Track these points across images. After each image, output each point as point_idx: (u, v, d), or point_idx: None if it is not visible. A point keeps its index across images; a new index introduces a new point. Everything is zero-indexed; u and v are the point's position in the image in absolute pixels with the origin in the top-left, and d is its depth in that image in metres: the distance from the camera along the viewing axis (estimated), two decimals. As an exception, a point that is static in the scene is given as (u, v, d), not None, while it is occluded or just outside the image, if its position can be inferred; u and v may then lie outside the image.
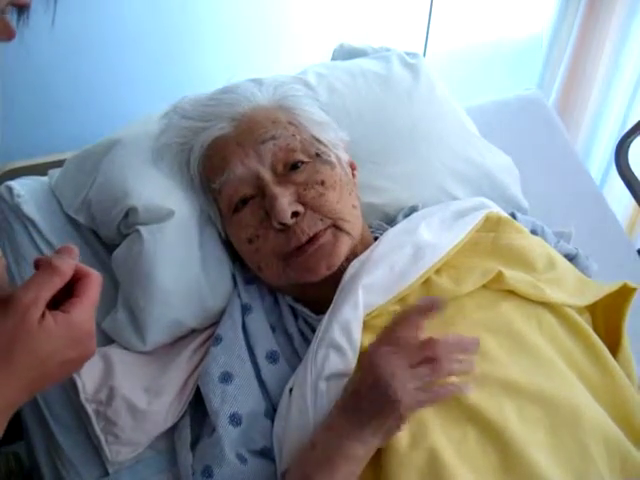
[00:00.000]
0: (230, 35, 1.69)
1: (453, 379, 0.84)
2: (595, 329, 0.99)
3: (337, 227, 1.00)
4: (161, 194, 1.07)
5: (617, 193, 2.09)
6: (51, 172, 1.25)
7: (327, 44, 1.47)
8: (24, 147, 1.45)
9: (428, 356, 0.83)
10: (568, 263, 1.07)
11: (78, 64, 1.54)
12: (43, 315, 0.69)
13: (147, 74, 1.64)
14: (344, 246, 1.00)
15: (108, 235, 1.13)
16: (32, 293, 0.69)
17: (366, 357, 0.86)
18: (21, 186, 1.23)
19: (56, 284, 0.71)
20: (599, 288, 1.01)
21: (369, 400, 0.82)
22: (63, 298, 0.72)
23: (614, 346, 1.00)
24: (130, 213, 1.06)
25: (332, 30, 1.78)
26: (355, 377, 0.87)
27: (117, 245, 1.10)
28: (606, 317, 1.03)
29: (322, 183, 1.01)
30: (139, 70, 1.63)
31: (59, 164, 1.25)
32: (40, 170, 1.30)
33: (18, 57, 1.37)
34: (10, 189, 1.21)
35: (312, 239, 0.98)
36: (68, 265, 0.72)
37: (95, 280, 0.75)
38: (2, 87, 1.42)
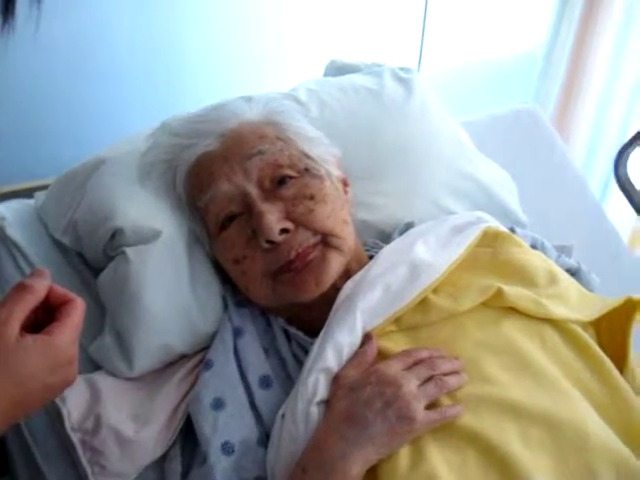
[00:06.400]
0: (221, 53, 1.69)
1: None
2: (600, 345, 0.96)
3: (327, 243, 0.97)
4: (148, 214, 1.05)
5: (619, 205, 2.08)
6: (37, 194, 1.23)
7: (319, 61, 1.47)
8: (11, 171, 1.44)
9: (430, 373, 0.85)
10: (570, 278, 1.05)
11: (67, 87, 1.54)
12: (22, 335, 0.68)
13: (137, 95, 1.64)
14: (334, 263, 0.97)
15: (94, 257, 1.10)
16: (5, 310, 0.68)
17: (380, 373, 0.85)
18: (6, 209, 1.21)
19: (29, 302, 0.70)
20: (603, 303, 0.99)
21: (383, 416, 0.81)
22: (45, 323, 0.72)
23: (620, 362, 0.96)
24: (116, 234, 1.04)
25: (324, 47, 1.78)
26: (363, 393, 0.85)
27: (103, 268, 1.07)
28: (611, 332, 1.00)
29: (311, 197, 0.98)
30: (129, 92, 1.63)
31: (47, 188, 1.23)
32: (29, 194, 1.28)
33: (3, 80, 1.37)
34: (-5, 212, 1.19)
35: (300, 255, 0.95)
36: (40, 284, 0.72)
37: (78, 305, 0.74)
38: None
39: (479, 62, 2.09)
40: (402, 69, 1.34)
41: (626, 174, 1.58)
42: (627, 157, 1.59)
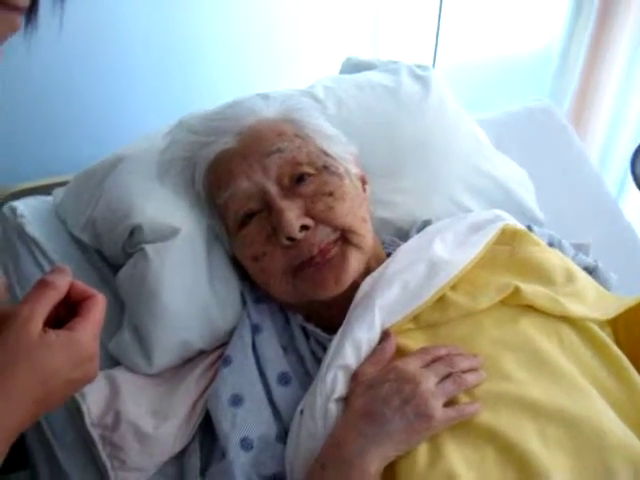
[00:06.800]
0: (238, 51, 1.69)
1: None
2: (617, 343, 0.95)
3: (346, 240, 0.98)
4: (167, 211, 1.05)
5: (635, 203, 2.07)
6: (56, 191, 1.24)
7: (335, 58, 1.46)
8: (30, 169, 1.45)
9: (448, 370, 0.85)
10: (587, 276, 1.04)
11: (83, 84, 1.54)
12: (45, 331, 0.68)
13: (152, 92, 1.64)
14: (354, 261, 0.97)
15: (113, 255, 1.11)
16: (28, 307, 0.68)
17: (399, 370, 0.86)
18: (25, 206, 1.22)
19: (51, 298, 0.70)
20: (620, 301, 0.98)
21: (401, 413, 0.81)
22: (67, 319, 0.72)
23: (637, 360, 0.95)
24: (135, 231, 1.04)
25: (340, 44, 1.77)
26: (381, 390, 0.85)
27: (123, 265, 1.07)
28: (628, 330, 0.99)
29: (330, 194, 0.98)
30: (144, 89, 1.63)
31: (65, 185, 1.23)
32: (47, 191, 1.28)
33: (21, 78, 1.37)
34: (14, 209, 1.20)
35: (322, 252, 0.95)
36: (62, 280, 0.72)
37: (100, 301, 0.74)
38: (7, 107, 1.42)
39: (493, 59, 2.08)
40: (419, 66, 1.33)
41: (643, 172, 1.57)
42: (644, 156, 1.58)
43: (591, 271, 1.15)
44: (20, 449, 1.06)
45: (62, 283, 0.72)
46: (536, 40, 2.11)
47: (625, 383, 0.90)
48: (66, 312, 0.73)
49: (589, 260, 1.18)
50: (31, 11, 0.64)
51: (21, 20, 0.63)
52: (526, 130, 1.55)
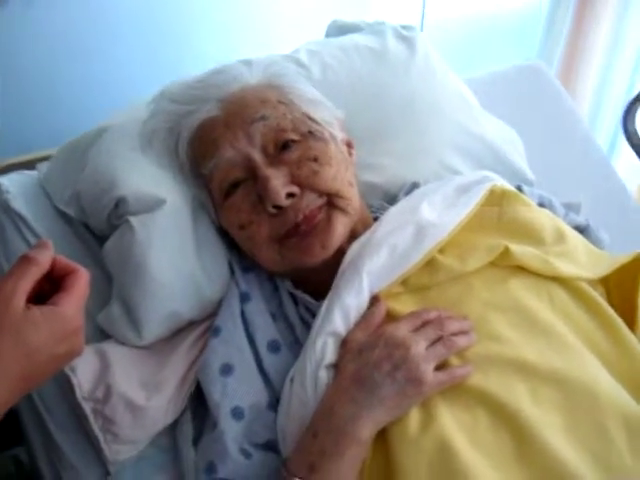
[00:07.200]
0: (223, 17, 1.67)
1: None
2: (610, 302, 0.95)
3: (332, 205, 0.97)
4: (151, 182, 1.04)
5: (626, 162, 2.07)
6: (40, 166, 1.23)
7: (321, 22, 1.44)
8: (16, 144, 1.44)
9: (439, 334, 0.85)
10: (578, 235, 1.04)
11: (70, 56, 1.53)
12: (28, 307, 0.69)
13: (139, 61, 1.62)
14: (340, 225, 0.97)
15: (99, 227, 1.10)
16: (11, 283, 0.69)
17: (388, 335, 0.86)
18: (10, 181, 1.21)
19: (34, 273, 0.70)
20: (612, 260, 0.98)
21: (392, 378, 0.82)
22: (50, 295, 0.72)
23: (631, 320, 0.96)
24: (120, 203, 1.04)
25: (326, 7, 1.75)
26: (371, 356, 0.85)
27: (109, 237, 1.07)
28: (620, 289, 0.99)
29: (315, 159, 0.97)
30: (130, 58, 1.61)
31: (49, 159, 1.23)
32: (31, 166, 1.27)
33: (5, 52, 1.36)
34: (-2, 185, 1.19)
35: (307, 218, 0.95)
36: (44, 255, 0.72)
37: (83, 275, 0.74)
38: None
39: (483, 16, 2.07)
40: (404, 27, 1.32)
41: (634, 129, 1.56)
42: (635, 112, 1.57)
43: (582, 230, 1.14)
44: (15, 425, 1.07)
45: (44, 258, 0.72)
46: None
47: (617, 341, 0.90)
48: (49, 287, 0.73)
49: (580, 219, 1.17)
50: None
51: None
52: (515, 90, 1.54)
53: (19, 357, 0.67)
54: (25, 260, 0.71)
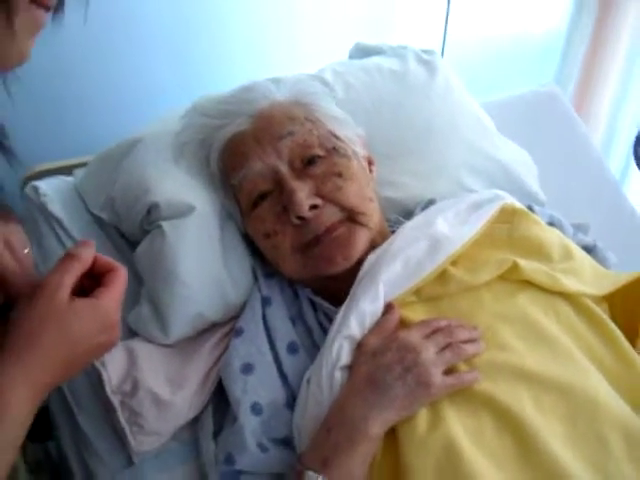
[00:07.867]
0: (249, 38, 1.70)
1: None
2: (613, 319, 0.98)
3: (353, 220, 1.01)
4: (182, 190, 1.09)
5: (637, 188, 2.08)
6: (76, 172, 1.28)
7: (344, 44, 1.48)
8: (53, 149, 1.47)
9: (448, 341, 0.89)
10: (585, 254, 1.07)
11: (105, 66, 1.56)
12: (72, 299, 0.73)
13: (173, 74, 1.65)
14: (361, 239, 1.01)
15: (131, 232, 1.15)
16: (56, 277, 0.73)
17: (401, 340, 0.89)
18: (47, 186, 1.26)
19: (77, 269, 0.75)
20: (616, 278, 1.01)
21: (403, 380, 0.85)
22: (90, 290, 0.76)
23: (633, 337, 0.99)
24: (152, 209, 1.08)
25: (349, 30, 1.78)
26: (384, 359, 0.89)
27: (140, 242, 1.12)
28: (624, 307, 1.02)
29: (339, 175, 1.02)
30: (164, 70, 1.64)
31: (85, 165, 1.27)
32: (68, 172, 1.32)
33: (43, 61, 1.39)
34: (36, 189, 1.24)
35: (328, 230, 0.99)
36: (86, 252, 0.77)
37: (122, 273, 0.79)
38: (31, 89, 1.44)
39: (502, 40, 2.08)
40: (425, 51, 1.36)
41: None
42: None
43: (590, 250, 1.17)
44: (46, 421, 1.12)
45: (87, 256, 0.77)
46: (544, 22, 2.11)
47: (619, 356, 0.93)
48: (90, 283, 0.77)
49: (588, 239, 1.20)
50: (57, 9, 0.68)
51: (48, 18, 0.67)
52: (531, 114, 1.57)
53: (63, 345, 0.72)
54: (69, 257, 0.76)
